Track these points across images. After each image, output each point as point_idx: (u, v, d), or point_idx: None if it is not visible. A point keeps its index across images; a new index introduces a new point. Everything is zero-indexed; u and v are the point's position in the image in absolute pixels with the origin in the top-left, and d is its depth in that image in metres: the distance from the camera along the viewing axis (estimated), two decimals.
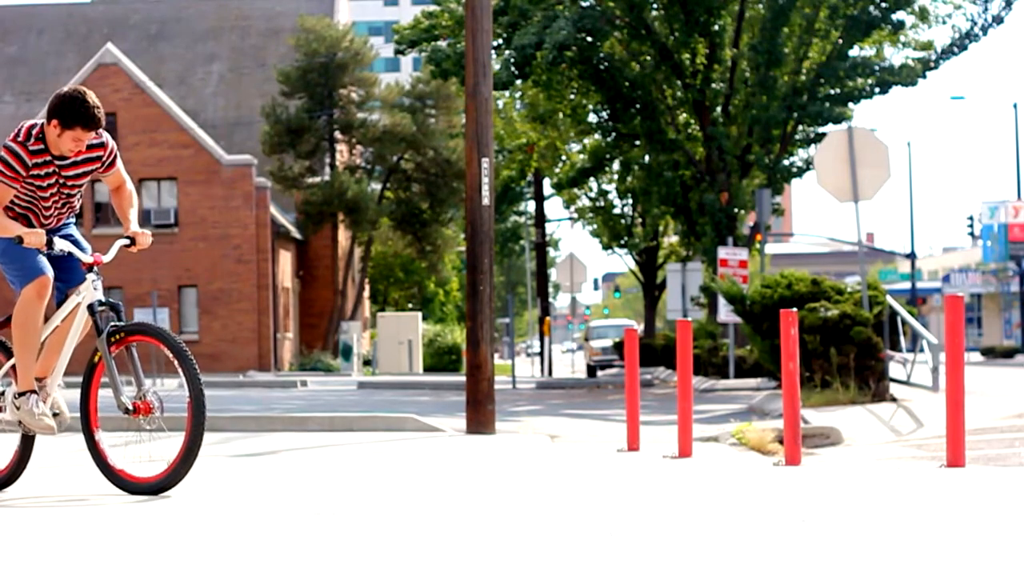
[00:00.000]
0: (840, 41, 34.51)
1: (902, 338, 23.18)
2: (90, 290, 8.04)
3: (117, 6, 67.82)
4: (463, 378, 19.54)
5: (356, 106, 58.68)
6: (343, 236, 60.05)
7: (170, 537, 6.16)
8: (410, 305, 72.03)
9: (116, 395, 7.94)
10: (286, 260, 56.73)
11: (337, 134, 58.22)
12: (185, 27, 65.85)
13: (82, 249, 8.20)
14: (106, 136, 8.17)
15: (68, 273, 8.20)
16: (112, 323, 8.03)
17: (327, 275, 59.62)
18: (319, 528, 6.35)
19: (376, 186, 60.44)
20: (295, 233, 57.55)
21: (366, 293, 67.33)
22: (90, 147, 8.09)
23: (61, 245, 8.02)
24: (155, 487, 7.84)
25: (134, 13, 67.04)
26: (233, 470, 9.96)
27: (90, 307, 8.01)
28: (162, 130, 52.69)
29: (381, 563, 5.32)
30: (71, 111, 7.79)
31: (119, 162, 8.29)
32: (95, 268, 8.07)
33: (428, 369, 56.84)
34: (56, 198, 8.14)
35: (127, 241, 8.25)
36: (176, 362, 7.77)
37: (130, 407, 7.91)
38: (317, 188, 56.20)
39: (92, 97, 7.82)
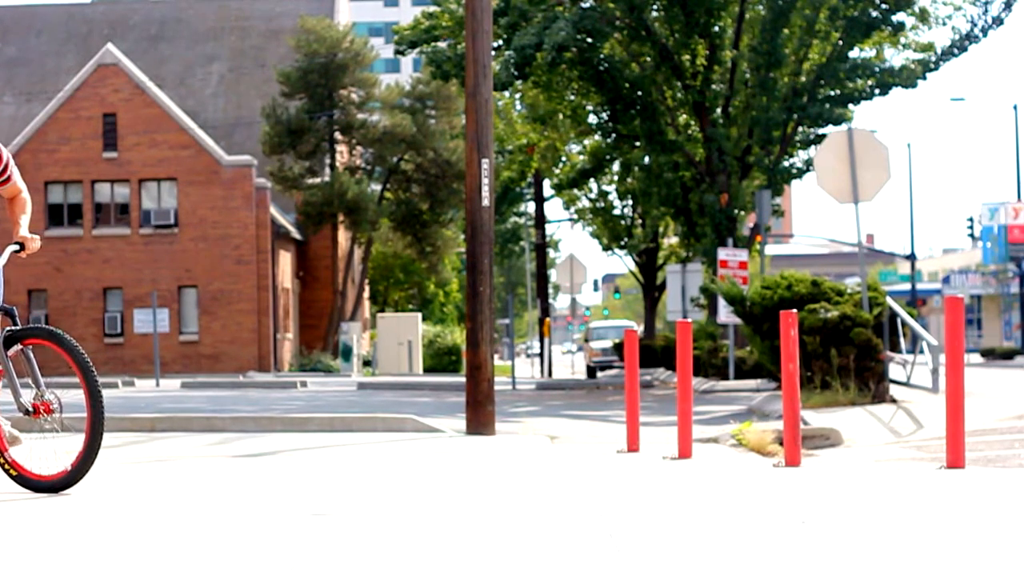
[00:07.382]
0: (840, 42, 34.51)
1: (902, 339, 23.17)
2: None
3: (117, 6, 67.83)
4: (463, 379, 19.53)
5: (356, 107, 58.67)
6: (343, 237, 60.05)
7: (169, 537, 6.16)
8: (410, 306, 72.01)
9: (15, 397, 8.10)
10: (286, 261, 56.73)
11: (337, 135, 58.21)
12: (185, 28, 65.86)
13: None
14: (1, 150, 8.28)
15: None
16: (8, 328, 8.15)
17: (327, 276, 59.62)
18: (319, 529, 6.35)
19: (376, 187, 60.43)
20: (295, 234, 57.56)
21: (366, 294, 67.34)
22: None
23: None
24: (58, 485, 7.99)
25: (134, 13, 67.04)
26: (233, 470, 9.96)
27: None
28: (162, 130, 52.68)
29: (382, 564, 5.32)
30: None
31: (16, 174, 8.43)
32: None
33: (428, 370, 56.82)
34: None
35: (16, 247, 8.38)
36: (72, 364, 7.93)
37: (30, 408, 8.07)
38: (317, 189, 56.19)
39: None
